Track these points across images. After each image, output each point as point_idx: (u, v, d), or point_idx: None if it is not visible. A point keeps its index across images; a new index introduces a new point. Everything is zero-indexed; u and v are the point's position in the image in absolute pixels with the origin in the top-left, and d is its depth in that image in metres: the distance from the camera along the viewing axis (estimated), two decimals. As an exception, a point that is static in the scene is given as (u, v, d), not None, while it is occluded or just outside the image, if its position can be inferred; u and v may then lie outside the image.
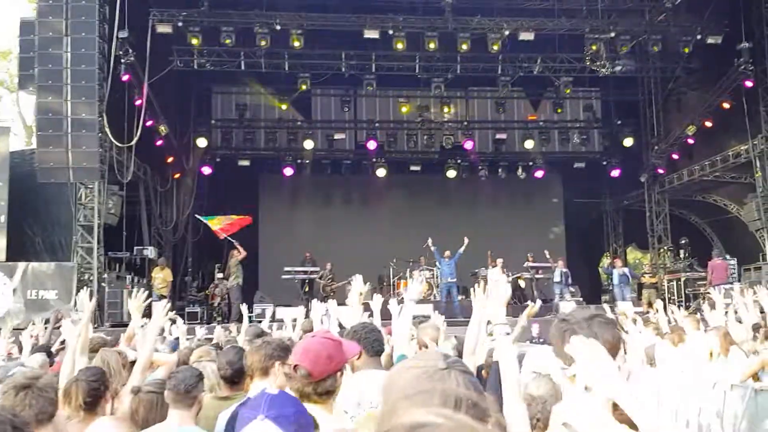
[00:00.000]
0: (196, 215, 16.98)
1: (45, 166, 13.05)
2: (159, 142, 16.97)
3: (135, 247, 15.87)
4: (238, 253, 15.66)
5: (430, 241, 15.79)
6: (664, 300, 16.07)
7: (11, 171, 14.95)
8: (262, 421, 2.20)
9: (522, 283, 17.25)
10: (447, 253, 15.94)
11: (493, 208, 20.37)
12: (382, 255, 17.78)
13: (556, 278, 16.71)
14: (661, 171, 19.53)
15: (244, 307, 8.39)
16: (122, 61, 14.08)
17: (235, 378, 3.94)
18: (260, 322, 11.10)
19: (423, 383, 1.31)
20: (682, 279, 17.66)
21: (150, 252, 16.16)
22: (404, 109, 20.26)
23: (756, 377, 5.56)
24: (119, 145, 14.00)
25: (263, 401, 2.28)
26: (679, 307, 13.34)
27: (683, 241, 18.71)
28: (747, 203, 16.87)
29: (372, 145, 19.96)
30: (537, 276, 17.46)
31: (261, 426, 2.21)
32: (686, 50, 16.26)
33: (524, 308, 6.15)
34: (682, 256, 18.60)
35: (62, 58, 13.09)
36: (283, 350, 3.44)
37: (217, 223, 16.10)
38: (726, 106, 16.91)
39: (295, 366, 2.55)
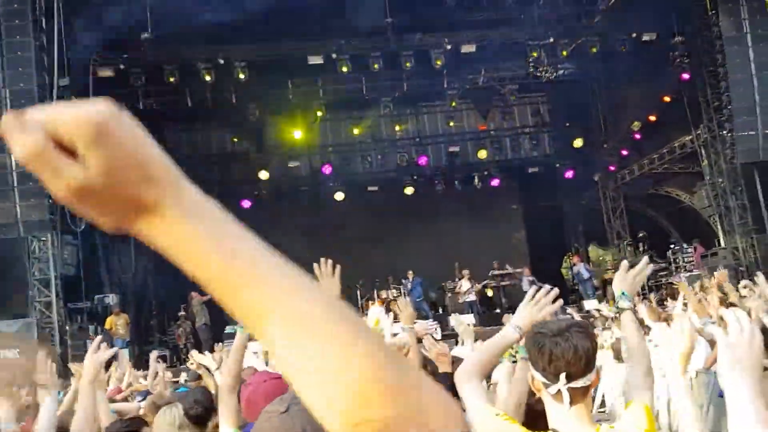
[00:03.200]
0: None
1: (-6, 222, 12.75)
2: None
3: (95, 296, 15.54)
4: (198, 295, 15.49)
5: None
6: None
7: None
8: None
9: (489, 292, 17.38)
10: (410, 273, 16.17)
11: (454, 221, 20.47)
12: (348, 277, 17.68)
13: (525, 287, 16.88)
14: (612, 168, 19.94)
15: (195, 353, 8.27)
16: (64, 107, 13.86)
17: (201, 419, 3.89)
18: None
19: (264, 428, 1.39)
20: (644, 271, 17.95)
21: (111, 299, 15.83)
22: (356, 131, 20.34)
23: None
24: (70, 193, 13.73)
25: None
26: (642, 298, 13.56)
27: (641, 235, 19.08)
28: (697, 192, 17.32)
29: (327, 169, 19.96)
30: (503, 283, 17.62)
31: None
32: (623, 49, 16.67)
33: (494, 316, 6.18)
34: (641, 249, 18.95)
35: (1, 109, 12.85)
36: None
37: None
38: (667, 99, 17.41)
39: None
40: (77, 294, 14.78)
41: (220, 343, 9.84)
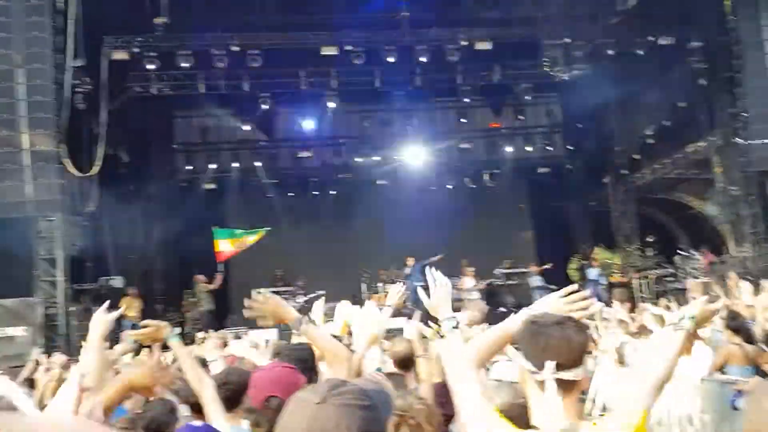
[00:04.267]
0: (213, 227, 16.33)
1: (3, 200, 12.79)
2: (121, 170, 16.76)
3: (101, 278, 15.60)
4: (203, 280, 15.60)
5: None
6: (633, 299, 16.30)
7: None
8: None
9: (495, 290, 17.36)
10: (410, 260, 16.19)
11: (462, 218, 20.43)
12: (354, 270, 17.77)
13: (536, 283, 16.89)
14: (623, 171, 19.83)
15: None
16: (79, 90, 13.90)
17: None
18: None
19: (296, 417, 1.28)
20: (651, 277, 17.89)
21: (117, 282, 15.89)
22: (366, 124, 20.34)
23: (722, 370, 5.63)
24: (80, 175, 13.79)
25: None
26: (653, 304, 13.50)
27: (650, 239, 18.98)
28: (708, 198, 17.20)
29: (337, 161, 19.97)
30: (510, 282, 17.60)
31: None
32: (639, 52, 16.54)
33: (501, 316, 6.16)
34: (649, 254, 18.86)
35: (17, 90, 12.90)
36: None
37: (235, 243, 15.77)
38: (682, 104, 17.26)
39: (268, 398, 2.55)
40: (83, 275, 14.85)
41: (211, 330, 9.90)
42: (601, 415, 2.39)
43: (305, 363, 3.24)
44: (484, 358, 2.37)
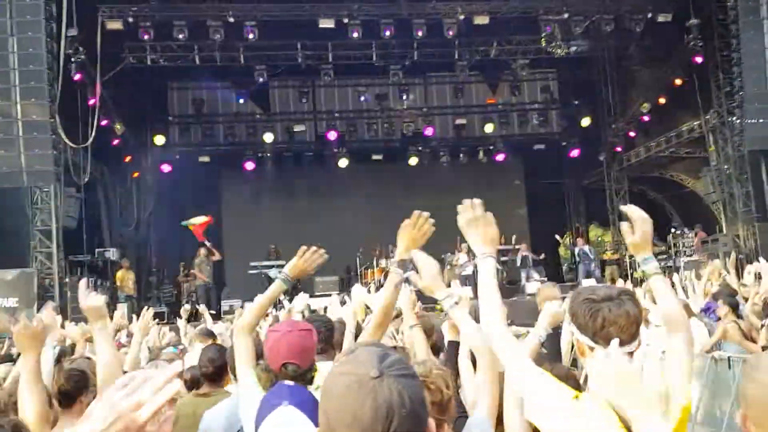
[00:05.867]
0: (181, 222, 16.45)
1: (-1, 170, 12.73)
2: (115, 142, 16.67)
3: (96, 250, 15.60)
4: (211, 254, 15.65)
5: None
6: (626, 276, 16.43)
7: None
8: (286, 407, 2.39)
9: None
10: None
11: (456, 194, 19.80)
12: (348, 245, 17.77)
13: (519, 263, 16.99)
14: (619, 149, 19.85)
15: (202, 308, 8.41)
16: (72, 59, 13.76)
17: (216, 376, 3.97)
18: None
19: (353, 395, 1.21)
20: (644, 254, 18.00)
21: (112, 253, 15.91)
22: (363, 98, 20.25)
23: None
24: (74, 146, 13.71)
25: (284, 391, 2.46)
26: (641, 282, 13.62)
27: (643, 217, 19.06)
28: (702, 177, 17.27)
29: (332, 135, 19.90)
30: (501, 258, 17.66)
31: (286, 411, 2.39)
32: (637, 29, 16.46)
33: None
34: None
35: (9, 58, 12.75)
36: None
37: (198, 223, 15.87)
38: (678, 82, 17.26)
39: (284, 364, 2.59)
40: (78, 247, 14.85)
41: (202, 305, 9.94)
42: None
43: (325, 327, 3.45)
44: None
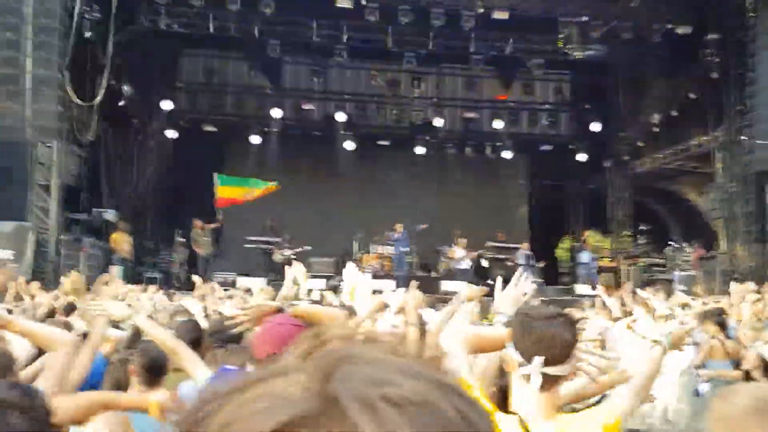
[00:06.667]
0: (215, 173, 16.38)
1: (3, 123, 12.69)
2: (122, 103, 16.61)
3: (94, 209, 15.58)
4: (202, 224, 15.67)
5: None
6: (619, 285, 16.42)
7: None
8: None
9: (485, 263, 17.45)
10: (399, 227, 16.30)
11: (459, 187, 20.43)
12: (347, 227, 17.79)
13: (520, 260, 16.96)
14: (625, 157, 19.79)
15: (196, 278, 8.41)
16: (86, 17, 13.67)
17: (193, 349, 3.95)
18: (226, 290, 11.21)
19: None
20: (640, 264, 18.01)
21: (110, 215, 15.88)
22: (374, 83, 20.18)
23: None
24: (81, 104, 13.66)
25: (229, 374, 2.42)
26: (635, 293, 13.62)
27: (643, 228, 19.05)
28: (705, 193, 17.22)
29: (341, 117, 19.83)
30: (499, 256, 17.68)
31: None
32: (655, 39, 16.36)
33: (488, 287, 6.13)
34: (641, 242, 18.96)
35: (23, 12, 12.68)
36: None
37: (241, 192, 15.85)
38: (691, 96, 17.16)
39: (270, 355, 2.59)
40: (76, 205, 14.82)
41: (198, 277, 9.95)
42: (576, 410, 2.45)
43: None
44: (475, 347, 2.40)
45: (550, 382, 2.03)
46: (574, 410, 2.29)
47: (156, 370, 3.23)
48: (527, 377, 2.02)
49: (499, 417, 1.99)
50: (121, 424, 2.25)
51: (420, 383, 0.52)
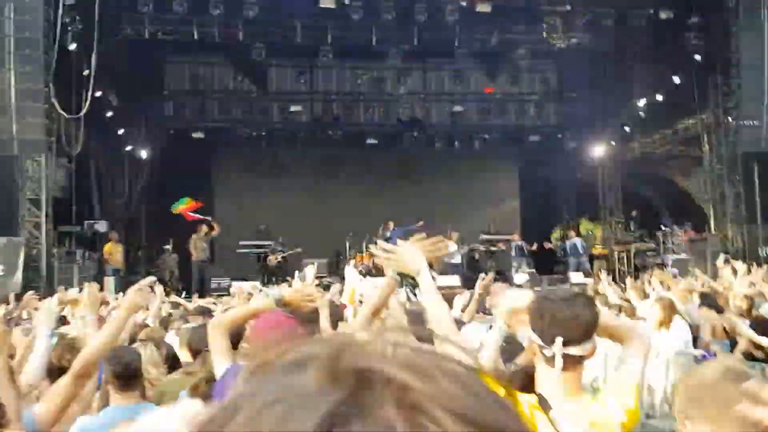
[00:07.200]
0: (171, 208, 16.42)
1: (-11, 137, 12.63)
2: (109, 113, 16.54)
3: (86, 221, 15.53)
4: (211, 230, 15.68)
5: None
6: (613, 271, 16.52)
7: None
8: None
9: (476, 255, 17.48)
10: (391, 224, 16.28)
11: (450, 181, 20.47)
12: (339, 228, 17.79)
13: (513, 252, 17.04)
14: (613, 144, 19.87)
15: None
16: (69, 29, 13.61)
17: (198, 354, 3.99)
18: (221, 295, 11.24)
19: None
20: (632, 250, 18.10)
21: (102, 226, 15.85)
22: (360, 81, 20.19)
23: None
24: (67, 116, 13.60)
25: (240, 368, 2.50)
26: (630, 277, 13.70)
27: (633, 213, 19.14)
28: (694, 176, 17.33)
29: (328, 117, 19.84)
30: (492, 248, 17.73)
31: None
32: (638, 24, 16.42)
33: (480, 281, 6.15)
34: (632, 228, 19.05)
35: (5, 24, 12.62)
36: None
37: (186, 205, 15.87)
38: (676, 80, 17.24)
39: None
40: (67, 218, 14.77)
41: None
42: (596, 389, 2.42)
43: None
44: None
45: (572, 362, 2.04)
46: (596, 390, 2.28)
47: (128, 377, 3.19)
48: (550, 359, 2.02)
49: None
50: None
51: (427, 355, 0.50)
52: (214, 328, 3.08)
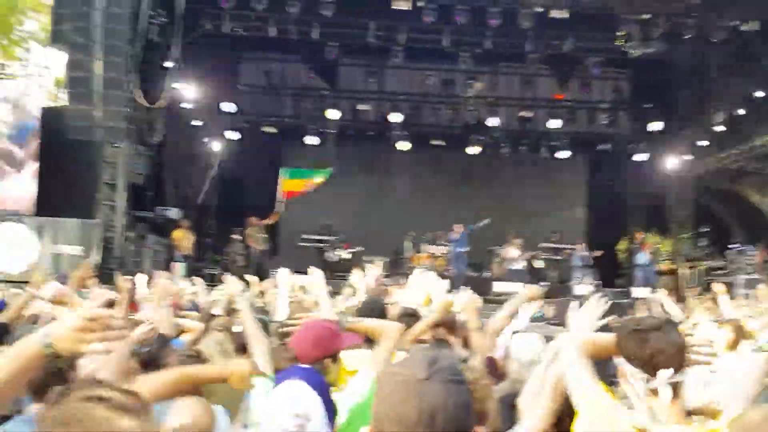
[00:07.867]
0: (281, 168, 16.81)
1: (75, 123, 13.24)
2: (186, 105, 17.13)
3: (158, 207, 16.11)
4: (256, 221, 16.04)
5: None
6: (678, 288, 16.10)
7: (42, 126, 15.21)
8: (296, 381, 2.64)
9: (539, 263, 17.31)
10: (458, 227, 16.27)
11: (514, 187, 20.34)
12: (400, 228, 17.91)
13: (575, 262, 16.81)
14: (687, 157, 19.33)
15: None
16: (153, 21, 14.17)
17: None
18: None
19: (400, 395, 1.27)
20: (701, 267, 17.59)
21: (173, 213, 16.40)
22: (429, 83, 20.23)
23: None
24: (147, 105, 14.16)
25: (298, 371, 2.66)
26: (694, 293, 13.33)
27: (704, 230, 18.59)
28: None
29: (396, 117, 19.97)
30: (555, 257, 17.53)
31: (296, 383, 2.63)
32: (719, 37, 15.94)
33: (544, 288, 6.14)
34: (702, 244, 18.50)
35: (94, 15, 13.21)
36: None
37: (302, 184, 16.31)
38: (758, 95, 16.65)
39: (317, 359, 2.81)
40: (141, 203, 15.36)
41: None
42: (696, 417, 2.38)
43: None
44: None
45: (675, 390, 2.03)
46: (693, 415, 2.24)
47: (152, 366, 3.16)
48: (654, 390, 1.99)
49: None
50: (205, 412, 2.38)
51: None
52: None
